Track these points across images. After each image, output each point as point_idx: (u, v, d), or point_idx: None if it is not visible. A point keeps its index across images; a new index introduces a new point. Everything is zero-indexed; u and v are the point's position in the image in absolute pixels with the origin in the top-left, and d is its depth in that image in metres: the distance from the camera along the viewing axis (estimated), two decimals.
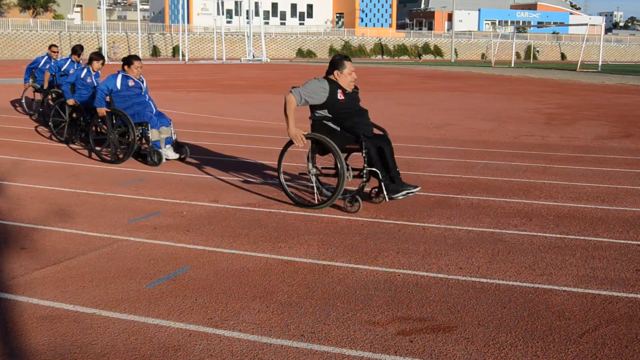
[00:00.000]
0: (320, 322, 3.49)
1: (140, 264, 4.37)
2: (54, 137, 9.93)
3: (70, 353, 3.11)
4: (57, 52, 12.21)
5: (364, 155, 5.69)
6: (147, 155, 8.01)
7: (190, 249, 4.71)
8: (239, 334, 3.34)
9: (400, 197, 5.68)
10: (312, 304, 3.72)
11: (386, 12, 77.56)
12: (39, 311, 3.59)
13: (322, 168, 6.04)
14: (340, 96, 5.82)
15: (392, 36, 72.59)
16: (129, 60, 8.28)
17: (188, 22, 59.92)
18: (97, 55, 9.52)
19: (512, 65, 47.19)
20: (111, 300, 3.74)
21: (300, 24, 75.57)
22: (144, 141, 8.23)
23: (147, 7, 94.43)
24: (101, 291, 3.89)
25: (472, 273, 4.25)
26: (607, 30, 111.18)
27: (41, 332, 3.33)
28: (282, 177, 6.09)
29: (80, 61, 11.22)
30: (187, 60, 51.15)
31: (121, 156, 8.09)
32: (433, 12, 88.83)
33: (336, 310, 3.63)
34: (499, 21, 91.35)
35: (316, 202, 5.92)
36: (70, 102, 9.34)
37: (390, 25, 77.42)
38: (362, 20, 75.97)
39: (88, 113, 9.34)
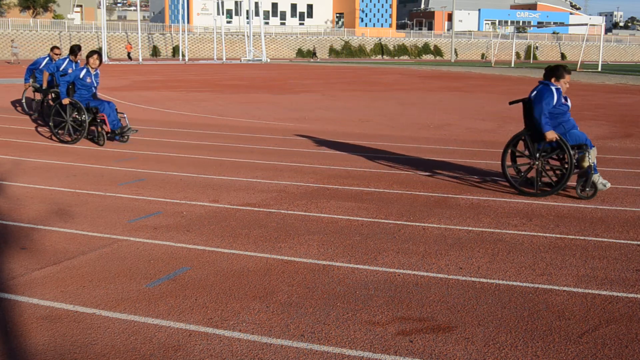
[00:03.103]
0: (320, 322, 3.49)
1: (140, 264, 4.37)
2: (54, 137, 9.93)
3: (70, 353, 3.11)
4: (60, 54, 12.15)
5: None
6: (577, 186, 6.43)
7: (190, 249, 4.71)
8: (239, 334, 3.34)
9: None
10: (312, 304, 3.72)
11: (386, 12, 77.56)
12: (39, 311, 3.59)
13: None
14: None
15: (392, 36, 72.60)
16: (558, 72, 6.54)
17: (188, 22, 59.91)
18: (91, 52, 9.67)
19: (512, 65, 47.19)
20: (111, 300, 3.74)
21: (300, 24, 75.57)
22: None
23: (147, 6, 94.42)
24: (101, 291, 3.88)
25: (472, 273, 4.25)
26: (607, 30, 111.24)
27: (41, 332, 3.33)
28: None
29: (79, 61, 11.21)
30: (187, 60, 51.15)
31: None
32: (433, 12, 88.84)
33: (336, 310, 3.63)
34: (499, 21, 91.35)
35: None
36: (65, 101, 9.38)
37: (390, 25, 77.43)
38: (362, 20, 75.97)
39: (89, 113, 9.39)
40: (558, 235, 5.12)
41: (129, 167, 7.81)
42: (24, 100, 13.44)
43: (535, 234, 5.17)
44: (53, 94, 10.91)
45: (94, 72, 9.55)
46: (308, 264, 4.40)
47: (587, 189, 6.36)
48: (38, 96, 12.60)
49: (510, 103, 7.07)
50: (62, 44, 50.95)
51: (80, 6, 67.34)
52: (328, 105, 16.27)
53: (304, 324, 3.46)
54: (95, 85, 9.63)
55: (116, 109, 9.61)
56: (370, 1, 76.34)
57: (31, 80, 12.72)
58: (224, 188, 6.71)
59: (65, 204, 5.99)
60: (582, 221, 5.56)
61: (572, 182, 6.65)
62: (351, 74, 33.16)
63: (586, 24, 53.05)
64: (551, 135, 6.32)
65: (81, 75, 9.42)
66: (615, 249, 4.82)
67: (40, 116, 11.99)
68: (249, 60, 52.48)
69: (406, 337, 3.32)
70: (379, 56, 69.72)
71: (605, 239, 5.04)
